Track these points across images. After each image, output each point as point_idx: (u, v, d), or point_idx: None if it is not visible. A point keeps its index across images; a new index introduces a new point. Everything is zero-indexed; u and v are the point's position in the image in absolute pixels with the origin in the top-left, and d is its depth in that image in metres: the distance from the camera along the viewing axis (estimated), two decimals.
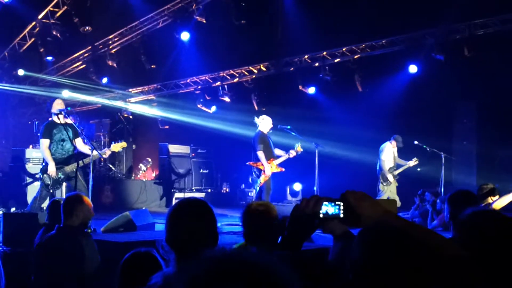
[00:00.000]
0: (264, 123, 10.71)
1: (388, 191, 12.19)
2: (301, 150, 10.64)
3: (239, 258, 1.27)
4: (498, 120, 13.10)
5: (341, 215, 2.09)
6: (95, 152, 8.82)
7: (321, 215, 2.11)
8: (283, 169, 10.94)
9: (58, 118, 8.96)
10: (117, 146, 9.34)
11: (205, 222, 2.92)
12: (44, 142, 8.86)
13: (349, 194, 2.10)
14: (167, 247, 2.88)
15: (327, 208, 2.10)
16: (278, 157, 10.83)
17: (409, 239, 1.96)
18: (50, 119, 9.22)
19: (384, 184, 12.18)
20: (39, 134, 9.53)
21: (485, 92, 13.35)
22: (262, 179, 10.59)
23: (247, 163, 10.94)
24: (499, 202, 6.94)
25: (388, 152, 12.22)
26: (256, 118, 10.86)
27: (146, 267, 3.12)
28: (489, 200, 7.17)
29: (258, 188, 10.67)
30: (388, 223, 2.02)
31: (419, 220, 10.84)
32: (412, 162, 12.20)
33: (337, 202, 2.10)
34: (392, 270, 1.87)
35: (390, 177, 12.09)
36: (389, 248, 1.91)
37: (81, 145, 9.08)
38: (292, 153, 10.67)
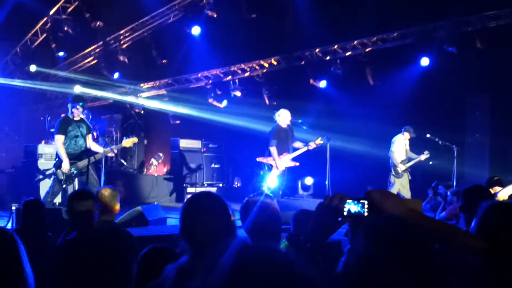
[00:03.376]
0: (281, 117, 10.75)
1: (399, 183, 12.15)
2: (322, 142, 10.66)
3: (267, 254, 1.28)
4: (511, 113, 12.99)
5: (365, 213, 2.10)
6: (106, 149, 8.90)
7: (345, 213, 2.12)
8: (297, 164, 10.94)
9: (73, 113, 9.04)
10: (128, 142, 9.42)
11: (218, 216, 2.93)
12: (59, 138, 8.94)
13: (374, 192, 2.12)
14: (182, 240, 2.92)
15: (351, 206, 2.12)
16: (296, 149, 10.85)
17: (417, 233, 1.98)
18: (63, 115, 9.30)
19: (395, 175, 12.17)
20: (52, 130, 9.59)
21: (497, 85, 13.24)
22: (273, 173, 10.65)
23: (257, 159, 10.99)
24: (503, 192, 7.00)
25: (399, 144, 12.22)
26: (276, 114, 10.90)
27: (163, 261, 3.05)
28: (496, 189, 7.25)
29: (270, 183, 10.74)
30: (407, 220, 2.03)
31: (431, 214, 10.79)
32: (424, 156, 12.16)
33: (361, 201, 2.12)
34: (396, 265, 1.89)
35: (401, 167, 12.08)
36: (395, 241, 1.93)
37: (90, 142, 9.15)
38: (312, 145, 10.70)
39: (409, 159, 12.28)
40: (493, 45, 12.02)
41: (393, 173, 12.21)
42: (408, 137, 12.28)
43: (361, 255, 1.98)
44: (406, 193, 11.98)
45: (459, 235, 2.16)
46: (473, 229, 2.63)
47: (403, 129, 12.26)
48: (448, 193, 10.30)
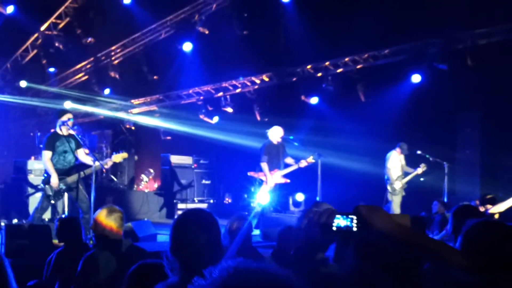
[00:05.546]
0: (273, 133, 10.79)
1: (397, 200, 12.12)
2: (313, 161, 10.70)
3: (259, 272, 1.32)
4: (501, 129, 13.04)
5: (354, 229, 2.10)
6: (97, 163, 8.85)
7: (334, 228, 2.12)
8: (288, 180, 10.96)
9: (61, 129, 9.02)
10: (118, 157, 9.39)
11: (209, 233, 2.91)
12: (46, 154, 8.92)
13: (362, 207, 2.12)
14: (171, 257, 2.88)
15: (340, 221, 2.11)
16: (287, 165, 10.87)
17: (405, 248, 2.03)
18: (52, 130, 9.27)
19: (392, 193, 12.13)
20: (41, 146, 9.56)
21: (488, 101, 13.33)
22: (263, 188, 10.67)
23: (248, 173, 11.00)
24: (494, 209, 7.08)
25: (394, 160, 12.20)
26: (269, 130, 10.95)
27: (153, 278, 3.09)
28: (488, 207, 7.34)
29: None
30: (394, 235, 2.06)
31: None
32: (421, 169, 12.14)
33: (350, 216, 2.12)
34: (386, 280, 1.94)
35: (397, 184, 12.05)
36: (385, 258, 1.99)
37: (83, 156, 9.15)
38: (303, 163, 10.75)
39: (406, 174, 12.27)
40: (484, 62, 12.10)
41: (390, 190, 12.16)
42: (403, 153, 12.28)
43: (351, 271, 2.03)
44: (397, 210, 11.94)
45: (445, 251, 2.17)
46: (458, 247, 2.65)
47: (397, 145, 12.27)
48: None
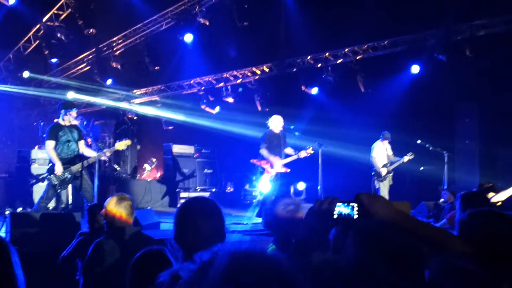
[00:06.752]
0: (273, 122, 10.82)
1: (384, 187, 12.25)
2: (312, 152, 10.74)
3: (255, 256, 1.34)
4: (500, 119, 13.11)
5: (355, 216, 2.12)
6: (99, 153, 8.97)
7: (335, 216, 2.14)
8: (288, 170, 11.00)
9: (64, 120, 9.12)
10: (121, 144, 9.47)
11: (214, 221, 2.93)
12: (50, 144, 8.99)
13: (363, 195, 2.13)
14: (175, 245, 2.90)
15: (341, 209, 2.13)
16: (287, 156, 10.91)
17: (405, 236, 2.03)
18: (55, 120, 9.35)
19: (379, 180, 12.27)
20: (44, 135, 9.65)
21: (487, 92, 13.36)
22: (265, 177, 10.71)
23: (251, 161, 11.05)
24: (496, 198, 7.12)
25: (379, 149, 12.34)
26: (268, 120, 10.97)
27: (157, 265, 3.06)
28: (490, 195, 7.37)
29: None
30: (395, 223, 2.07)
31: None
32: (407, 157, 12.23)
33: (351, 203, 2.13)
34: (386, 270, 1.93)
35: (383, 171, 12.18)
36: (385, 247, 1.98)
37: (83, 148, 9.24)
38: (302, 154, 10.76)
39: (392, 162, 12.38)
40: (482, 53, 12.15)
41: (376, 177, 12.30)
42: (387, 141, 12.39)
43: (351, 260, 2.03)
44: (386, 197, 12.05)
45: (447, 239, 2.17)
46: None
47: (381, 135, 12.39)
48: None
